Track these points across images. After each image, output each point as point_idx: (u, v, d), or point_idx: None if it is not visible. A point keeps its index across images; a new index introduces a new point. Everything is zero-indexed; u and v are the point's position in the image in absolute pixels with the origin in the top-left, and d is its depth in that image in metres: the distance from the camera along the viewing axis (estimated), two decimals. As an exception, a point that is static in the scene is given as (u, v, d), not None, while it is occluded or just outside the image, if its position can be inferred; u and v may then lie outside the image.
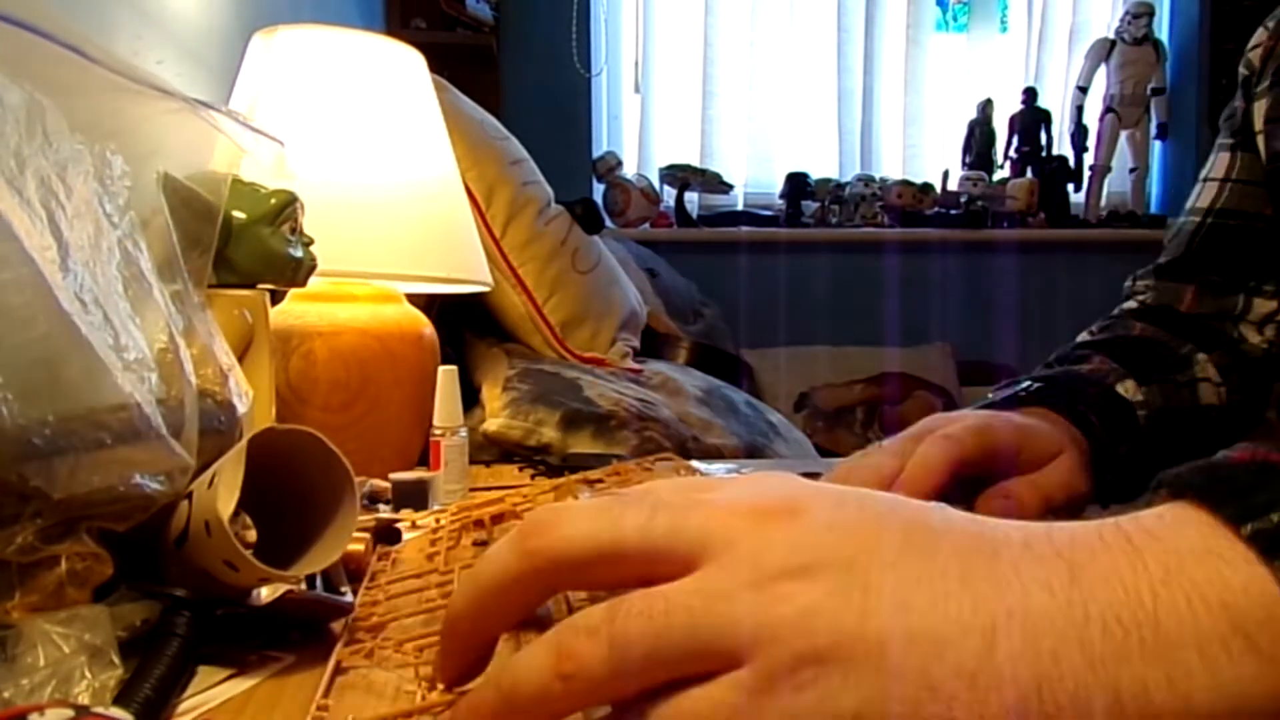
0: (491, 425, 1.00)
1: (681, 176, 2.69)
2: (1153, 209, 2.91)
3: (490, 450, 1.00)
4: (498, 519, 0.54)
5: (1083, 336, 0.72)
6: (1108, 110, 2.82)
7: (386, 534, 0.56)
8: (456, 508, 0.62)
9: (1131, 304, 0.77)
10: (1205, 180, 0.74)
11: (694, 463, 0.90)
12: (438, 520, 0.60)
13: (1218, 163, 0.73)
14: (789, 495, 0.26)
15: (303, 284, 0.63)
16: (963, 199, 2.75)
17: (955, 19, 3.02)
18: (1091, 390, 0.62)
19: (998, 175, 2.83)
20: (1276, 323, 0.70)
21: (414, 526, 0.62)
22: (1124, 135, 2.84)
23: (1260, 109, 0.68)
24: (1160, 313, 0.73)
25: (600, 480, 0.62)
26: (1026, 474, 0.52)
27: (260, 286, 0.61)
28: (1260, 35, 0.71)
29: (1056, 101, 2.87)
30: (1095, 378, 0.64)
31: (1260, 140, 0.69)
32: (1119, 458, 0.60)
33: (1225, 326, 0.71)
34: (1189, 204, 0.75)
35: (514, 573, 0.27)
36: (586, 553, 0.26)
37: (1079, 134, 2.85)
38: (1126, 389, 0.65)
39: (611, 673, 0.24)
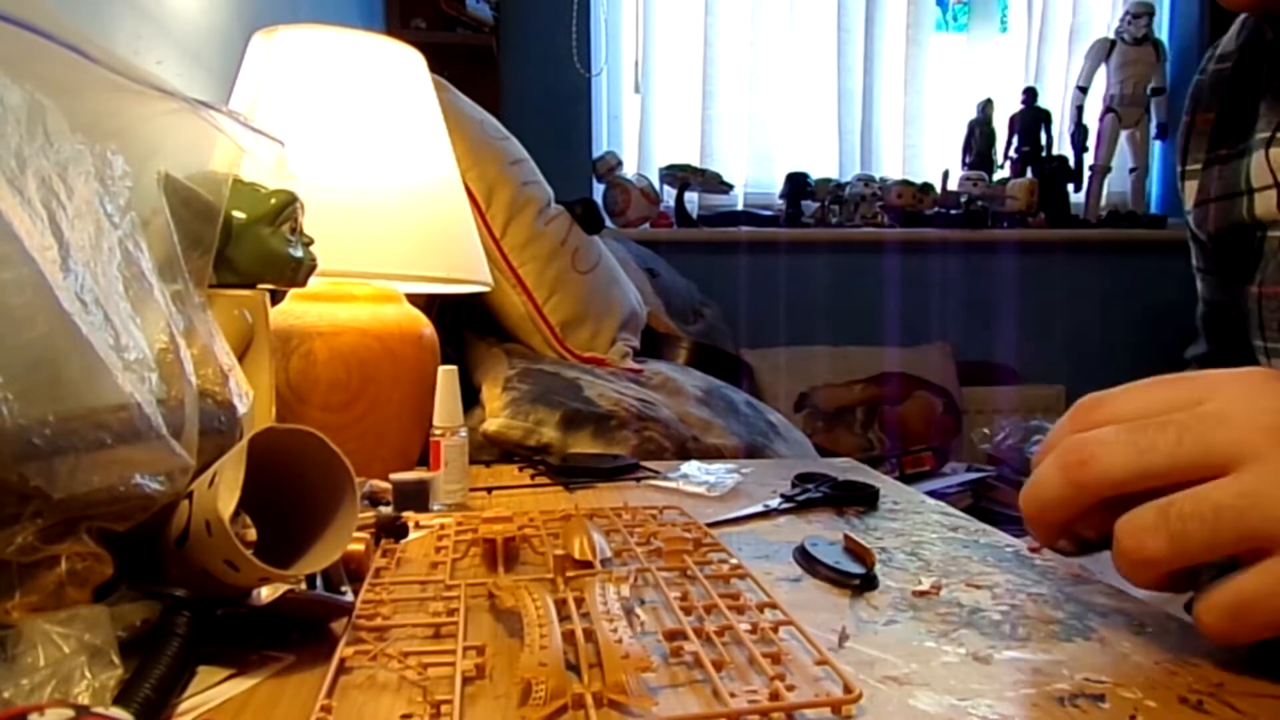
0: (491, 425, 1.00)
1: (681, 176, 2.69)
2: (1152, 209, 2.91)
3: (490, 450, 1.00)
4: (509, 541, 0.53)
5: None
6: (1107, 110, 2.82)
7: (393, 529, 0.56)
8: (464, 517, 0.62)
9: None
10: (1196, 270, 0.77)
11: (689, 465, 0.90)
12: (442, 526, 0.59)
13: (1194, 251, 0.75)
14: None
15: (303, 284, 0.63)
16: (963, 199, 2.75)
17: (955, 19, 3.02)
18: None
19: (998, 175, 2.83)
20: None
21: (417, 526, 0.62)
22: (1124, 135, 2.84)
23: (1189, 191, 0.71)
24: None
25: (606, 518, 0.62)
26: None
27: (260, 286, 0.60)
28: (1189, 107, 0.73)
29: (1056, 101, 2.87)
30: None
31: (1190, 221, 0.71)
32: None
33: None
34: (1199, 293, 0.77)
35: (1066, 498, 0.37)
36: (1130, 478, 0.36)
37: (1079, 134, 2.85)
38: None
39: (1171, 561, 0.35)
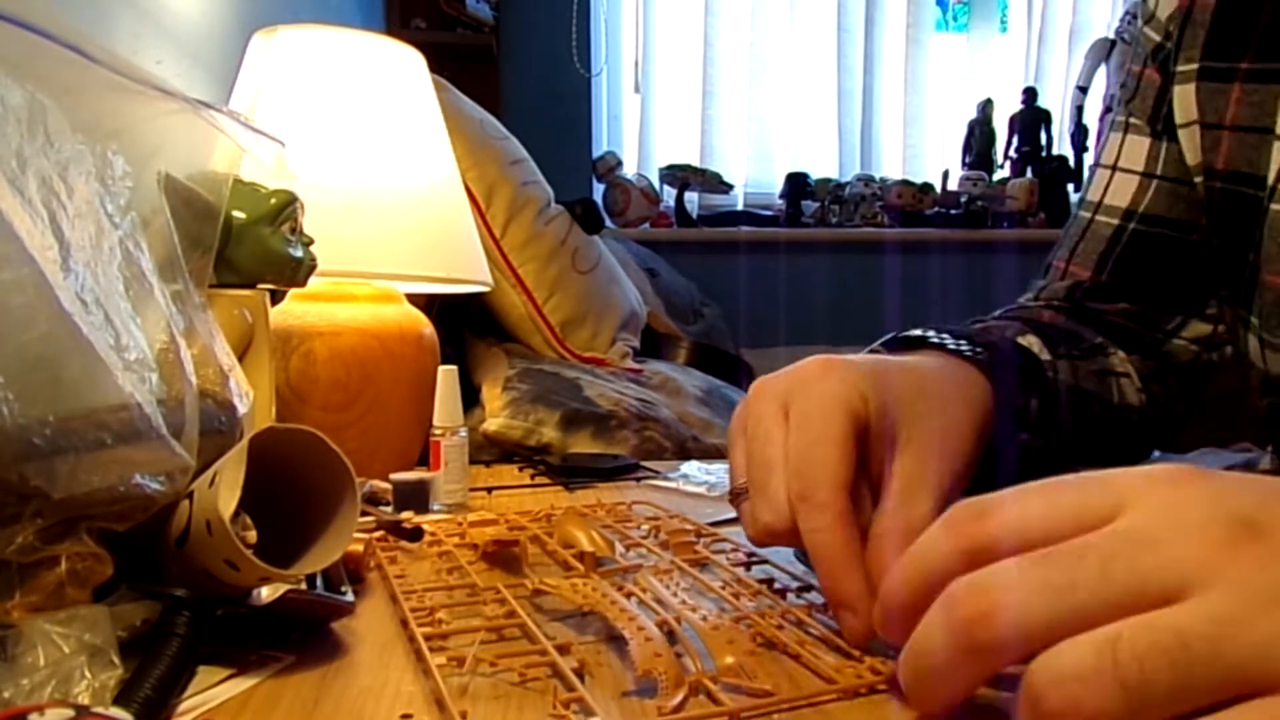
0: (491, 425, 1.00)
1: (681, 176, 2.69)
2: (1153, 209, 2.91)
3: (490, 450, 1.00)
4: (513, 543, 0.53)
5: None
6: (1107, 110, 2.82)
7: (409, 532, 0.56)
8: (449, 520, 0.62)
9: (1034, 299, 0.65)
10: (1115, 169, 0.59)
11: (689, 465, 0.90)
12: (446, 534, 0.59)
13: (1129, 148, 0.59)
14: (1233, 515, 0.25)
15: (303, 284, 0.63)
16: (963, 199, 2.75)
17: (955, 19, 3.02)
18: (993, 337, 0.49)
19: (998, 175, 2.83)
20: (1210, 343, 0.60)
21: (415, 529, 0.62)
22: (1124, 135, 2.84)
23: (1183, 96, 0.54)
24: (1074, 310, 0.61)
25: (584, 515, 0.61)
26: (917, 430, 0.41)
27: (260, 286, 0.61)
28: None
29: (1056, 101, 2.87)
30: (995, 332, 0.52)
31: (1185, 138, 0.55)
32: (1029, 420, 0.50)
33: (1152, 334, 0.60)
34: (1093, 195, 0.61)
35: (961, 665, 0.28)
36: (1048, 630, 0.25)
37: (1079, 134, 2.85)
38: (1030, 344, 0.53)
39: (1130, 713, 0.23)
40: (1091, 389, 0.56)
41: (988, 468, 0.44)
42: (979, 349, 0.46)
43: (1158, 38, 0.57)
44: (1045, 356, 0.53)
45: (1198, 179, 0.55)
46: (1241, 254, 0.52)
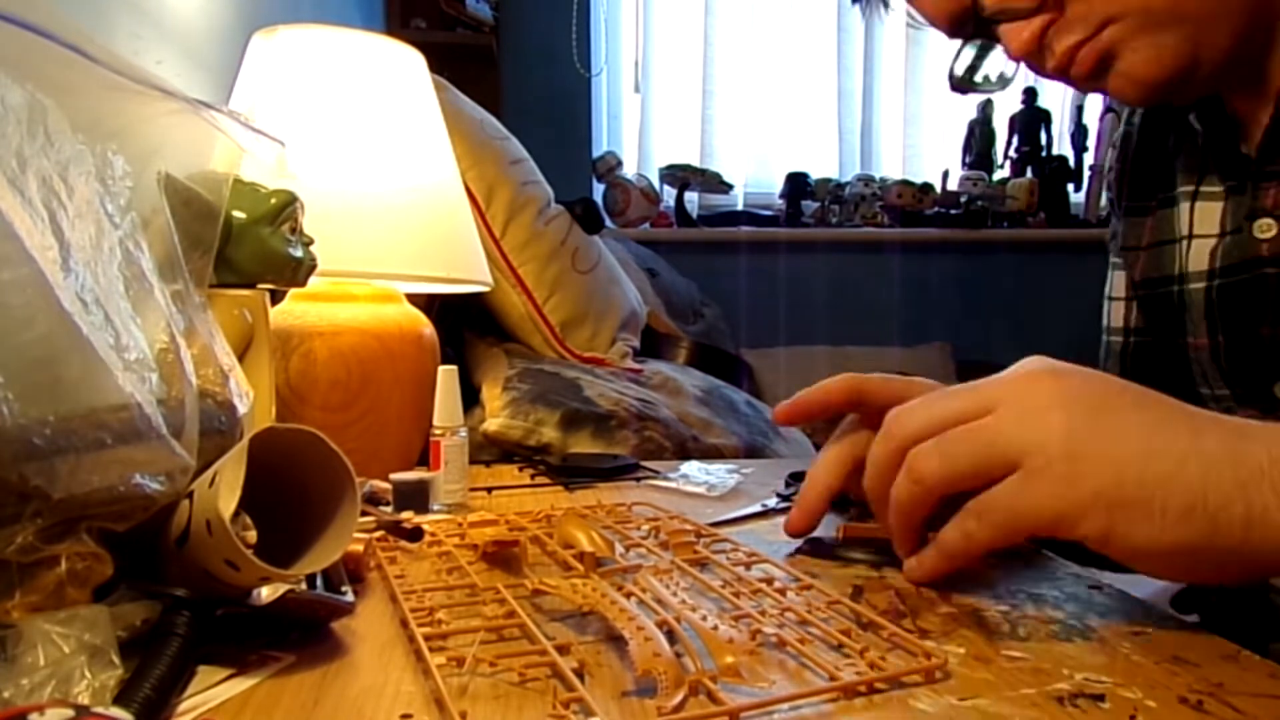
0: (491, 425, 1.00)
1: (681, 176, 2.69)
2: (1152, 209, 2.91)
3: (490, 450, 1.00)
4: (514, 544, 0.53)
5: None
6: (1108, 110, 2.82)
7: (409, 532, 0.56)
8: (448, 520, 0.62)
9: None
10: (1110, 299, 0.75)
11: (689, 465, 0.90)
12: (446, 534, 0.59)
13: (1116, 281, 0.75)
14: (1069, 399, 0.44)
15: (303, 284, 0.63)
16: (963, 199, 2.75)
17: (955, 19, 3.01)
18: None
19: (998, 175, 2.83)
20: None
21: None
22: (1124, 135, 2.84)
23: (1121, 232, 0.71)
24: None
25: (584, 516, 0.62)
26: None
27: (260, 286, 0.60)
28: (1110, 157, 0.73)
29: (1056, 101, 2.87)
30: None
31: (1120, 263, 0.72)
32: None
33: None
34: (1106, 322, 0.76)
35: (915, 499, 0.47)
36: (946, 481, 0.45)
37: (1079, 134, 2.85)
38: None
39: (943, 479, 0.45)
40: None
41: None
42: None
43: (1110, 195, 0.75)
44: None
45: (1138, 295, 0.71)
46: (1175, 342, 0.67)
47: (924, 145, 2.86)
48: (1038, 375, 0.45)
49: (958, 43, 0.64)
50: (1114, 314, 0.75)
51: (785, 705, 0.34)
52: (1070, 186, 2.84)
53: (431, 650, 0.38)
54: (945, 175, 2.78)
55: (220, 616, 0.40)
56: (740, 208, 2.79)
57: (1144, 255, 0.68)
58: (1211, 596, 0.67)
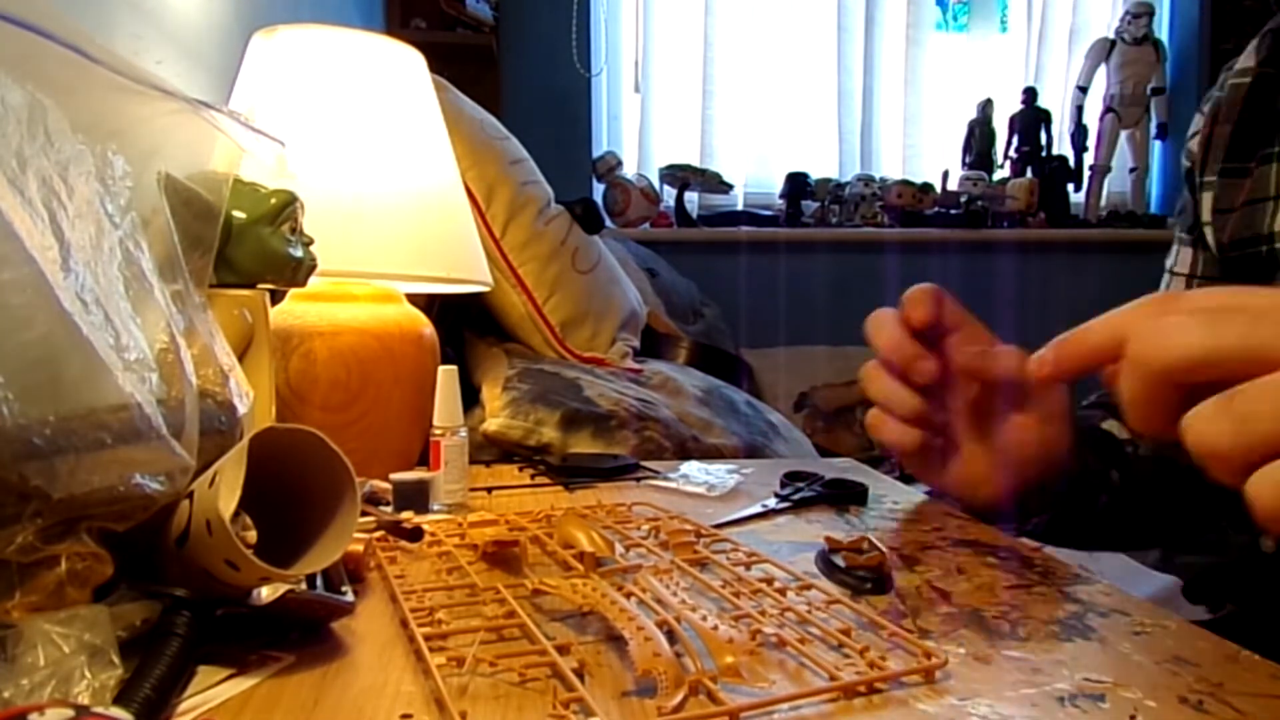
0: (491, 425, 1.00)
1: (681, 176, 2.69)
2: (1153, 209, 2.91)
3: (490, 450, 1.00)
4: (514, 544, 0.53)
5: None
6: (1107, 110, 2.82)
7: (409, 532, 0.56)
8: (448, 520, 0.62)
9: None
10: (1172, 273, 0.75)
11: (689, 465, 0.90)
12: (446, 534, 0.59)
13: (1181, 256, 0.74)
14: None
15: (303, 284, 0.63)
16: (963, 199, 2.75)
17: (955, 19, 3.02)
18: (1079, 425, 0.64)
19: (998, 175, 2.83)
20: None
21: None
22: (1124, 135, 2.84)
23: (1206, 201, 0.70)
24: None
25: (585, 516, 0.62)
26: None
27: (260, 286, 0.60)
28: (1198, 122, 0.73)
29: (1056, 101, 2.87)
30: (1081, 421, 0.67)
31: (1209, 232, 0.70)
32: (1111, 486, 0.65)
33: None
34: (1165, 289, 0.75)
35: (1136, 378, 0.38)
36: (1197, 361, 0.35)
37: (1079, 134, 2.85)
38: (1111, 427, 0.70)
39: (1237, 450, 0.33)
40: (1173, 454, 0.68)
41: (1075, 519, 0.66)
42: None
43: (1188, 163, 0.73)
44: (1124, 435, 0.68)
45: (1222, 258, 0.69)
46: None
47: (924, 145, 2.86)
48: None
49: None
50: (1169, 289, 0.75)
51: (785, 705, 0.34)
52: (1070, 186, 2.84)
53: (431, 650, 0.38)
54: (945, 175, 2.78)
55: (220, 616, 0.40)
56: (740, 208, 2.79)
57: (1236, 216, 0.67)
58: (1223, 587, 0.68)
